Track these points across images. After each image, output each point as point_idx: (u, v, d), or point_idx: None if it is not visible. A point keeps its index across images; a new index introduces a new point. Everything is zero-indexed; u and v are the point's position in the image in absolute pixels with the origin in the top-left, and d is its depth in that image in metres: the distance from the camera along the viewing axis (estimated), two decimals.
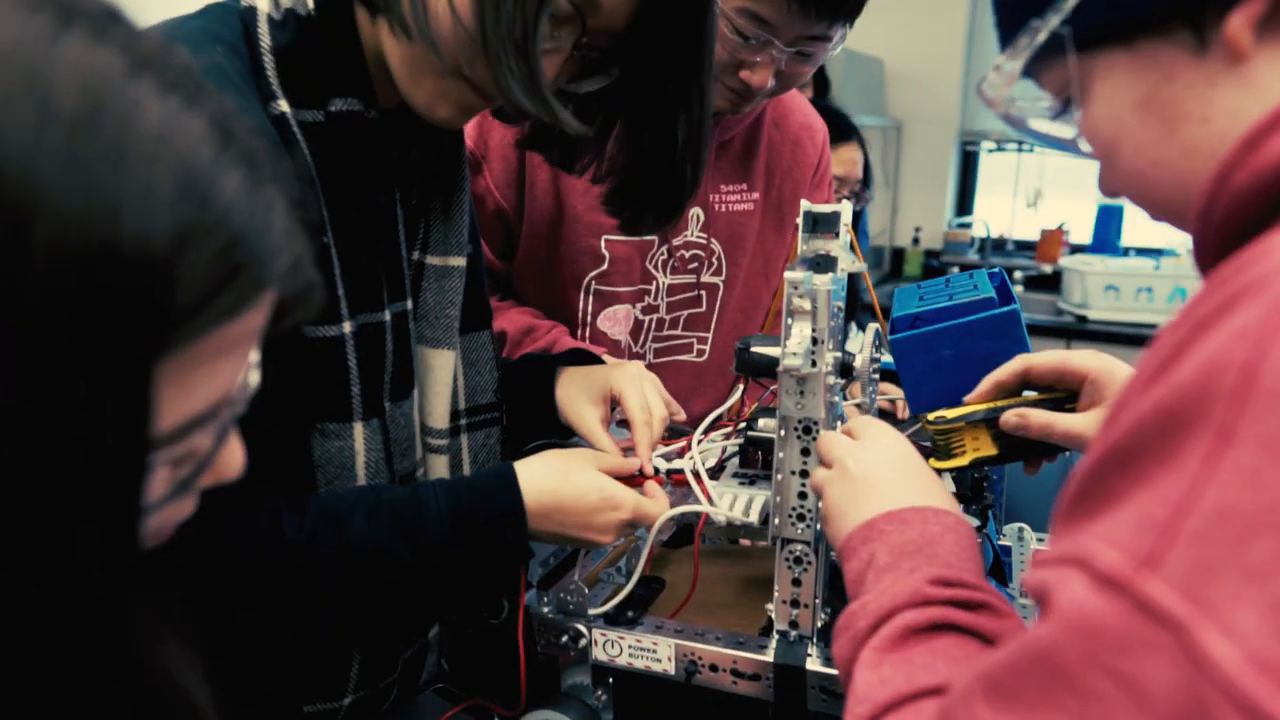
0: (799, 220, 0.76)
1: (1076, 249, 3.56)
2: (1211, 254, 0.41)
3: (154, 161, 0.31)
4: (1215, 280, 0.35)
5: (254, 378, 0.39)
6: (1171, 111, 0.42)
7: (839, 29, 1.07)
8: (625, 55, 0.74)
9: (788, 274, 0.68)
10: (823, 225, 0.76)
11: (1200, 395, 0.32)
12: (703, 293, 1.26)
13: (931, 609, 0.51)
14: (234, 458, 0.40)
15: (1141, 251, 3.45)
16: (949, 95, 3.71)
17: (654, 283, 1.22)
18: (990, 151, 3.85)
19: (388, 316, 0.74)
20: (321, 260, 0.67)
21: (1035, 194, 3.70)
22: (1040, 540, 0.93)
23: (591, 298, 1.21)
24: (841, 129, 1.86)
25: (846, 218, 0.76)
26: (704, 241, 1.24)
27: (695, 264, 1.24)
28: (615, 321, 1.23)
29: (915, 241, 3.74)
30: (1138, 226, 3.57)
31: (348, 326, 0.70)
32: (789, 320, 0.70)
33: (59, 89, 0.30)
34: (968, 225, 3.80)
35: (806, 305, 0.68)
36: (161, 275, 0.31)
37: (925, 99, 3.69)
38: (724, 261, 1.25)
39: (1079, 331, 3.02)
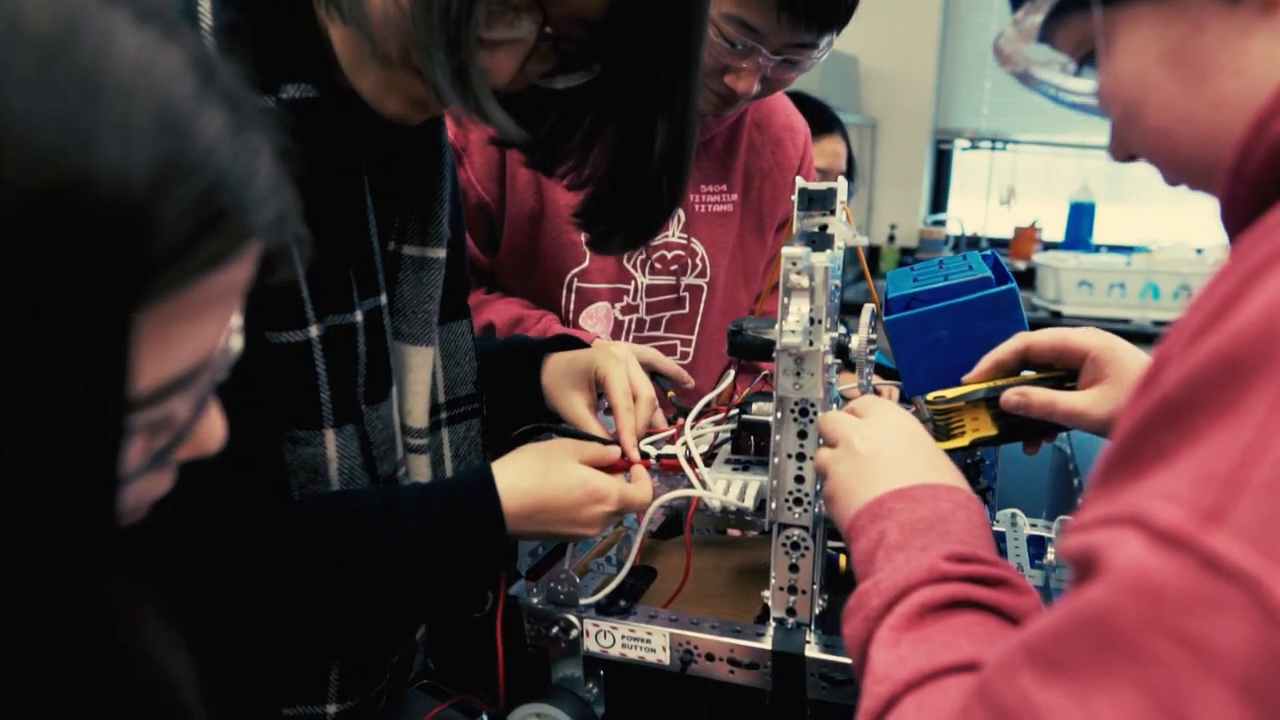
0: (794, 197, 0.75)
1: (1049, 246, 3.59)
2: (1243, 210, 0.39)
3: (131, 93, 0.28)
4: (1262, 229, 0.34)
5: (236, 343, 0.36)
6: (1201, 63, 0.40)
7: (827, 38, 1.05)
8: (607, 50, 0.68)
9: (786, 249, 0.66)
10: (818, 203, 0.74)
11: (1263, 339, 0.31)
12: (686, 295, 1.24)
13: (949, 585, 0.50)
14: (214, 430, 0.38)
15: (1113, 248, 3.49)
16: (923, 94, 3.72)
17: (632, 282, 1.21)
18: (964, 150, 3.87)
19: (359, 317, 0.70)
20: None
21: (1008, 192, 3.73)
22: (1033, 525, 0.92)
23: (574, 295, 1.19)
24: (824, 121, 1.85)
25: (842, 195, 0.74)
26: (684, 242, 1.22)
27: (677, 265, 1.22)
28: (596, 320, 1.21)
29: (891, 239, 3.75)
30: (1109, 224, 3.60)
31: (314, 330, 0.66)
32: (786, 299, 0.68)
33: (28, 10, 0.27)
34: (942, 223, 3.82)
35: (805, 282, 0.67)
36: (140, 216, 0.28)
37: (900, 97, 3.71)
38: (707, 263, 1.24)
39: (1053, 327, 3.04)
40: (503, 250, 1.19)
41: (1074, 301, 3.07)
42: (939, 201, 3.96)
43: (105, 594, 0.30)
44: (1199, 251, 3.18)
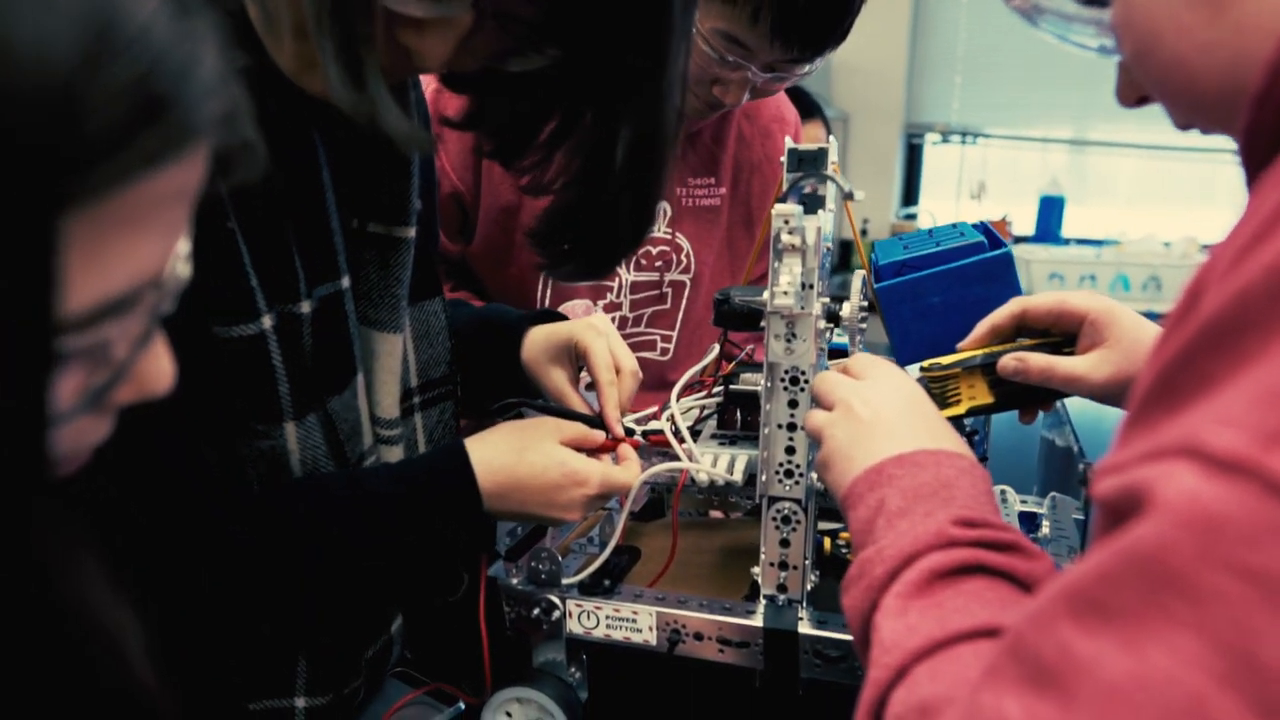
0: (784, 159, 0.72)
1: (1019, 240, 3.61)
2: (1269, 138, 0.37)
3: None
4: None
5: (184, 270, 0.32)
6: None
7: (820, 57, 1.03)
8: (567, 34, 0.60)
9: (778, 207, 0.63)
10: (808, 164, 0.71)
11: None
12: (669, 290, 1.21)
13: (958, 550, 0.47)
14: (159, 369, 0.33)
15: (1081, 242, 3.52)
16: (894, 88, 3.73)
17: (616, 279, 1.17)
18: (935, 144, 3.89)
19: (306, 308, 0.65)
20: (227, 249, 0.59)
21: (979, 186, 3.75)
22: (1024, 501, 0.90)
23: (550, 289, 1.16)
24: (805, 107, 1.83)
25: (834, 155, 0.71)
26: (669, 238, 1.19)
27: (661, 261, 1.19)
28: (574, 315, 1.17)
29: (863, 233, 3.75)
30: (1077, 218, 3.63)
31: (267, 321, 0.62)
32: (776, 263, 0.66)
33: None
34: (914, 216, 3.83)
35: (796, 242, 0.64)
36: (64, 100, 0.24)
37: (871, 92, 3.71)
38: (692, 259, 1.21)
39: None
40: (477, 242, 1.15)
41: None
42: (910, 195, 3.98)
43: (36, 540, 0.27)
44: (1167, 245, 3.22)
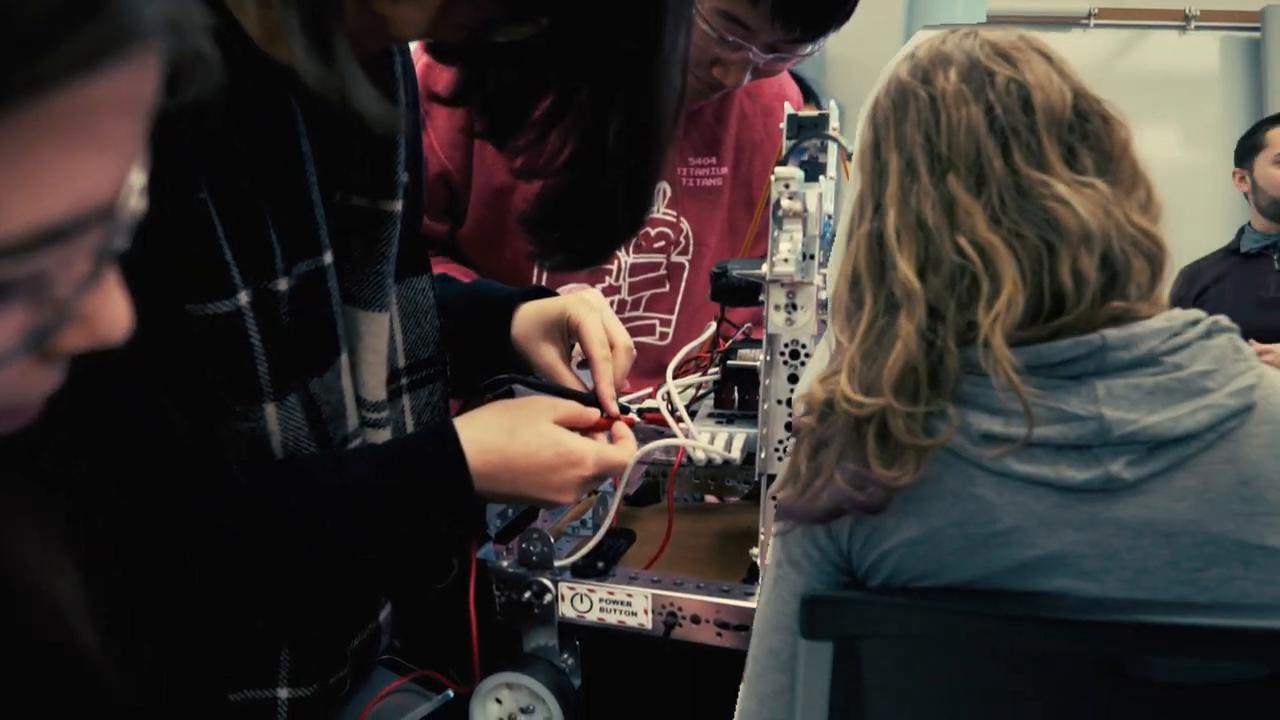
0: (782, 125, 0.70)
1: None
2: None
3: None
4: None
5: (138, 203, 0.29)
6: None
7: (823, 37, 1.01)
8: (557, 6, 0.58)
9: (778, 170, 0.61)
10: (809, 130, 0.69)
11: None
12: (668, 273, 1.19)
13: None
14: (114, 312, 0.30)
15: None
16: None
17: (615, 261, 1.15)
18: None
19: (283, 285, 0.62)
20: (199, 223, 0.56)
21: None
22: None
23: (545, 273, 1.13)
24: (801, 92, 1.81)
25: (835, 121, 0.69)
26: (672, 219, 1.17)
27: (662, 242, 1.17)
28: None
29: None
30: None
31: (243, 298, 0.59)
32: (776, 231, 0.64)
33: None
34: None
35: (797, 207, 0.62)
36: None
37: (867, 85, 3.66)
38: (692, 240, 1.18)
39: None
40: (469, 224, 1.13)
41: None
42: None
43: None
44: None
